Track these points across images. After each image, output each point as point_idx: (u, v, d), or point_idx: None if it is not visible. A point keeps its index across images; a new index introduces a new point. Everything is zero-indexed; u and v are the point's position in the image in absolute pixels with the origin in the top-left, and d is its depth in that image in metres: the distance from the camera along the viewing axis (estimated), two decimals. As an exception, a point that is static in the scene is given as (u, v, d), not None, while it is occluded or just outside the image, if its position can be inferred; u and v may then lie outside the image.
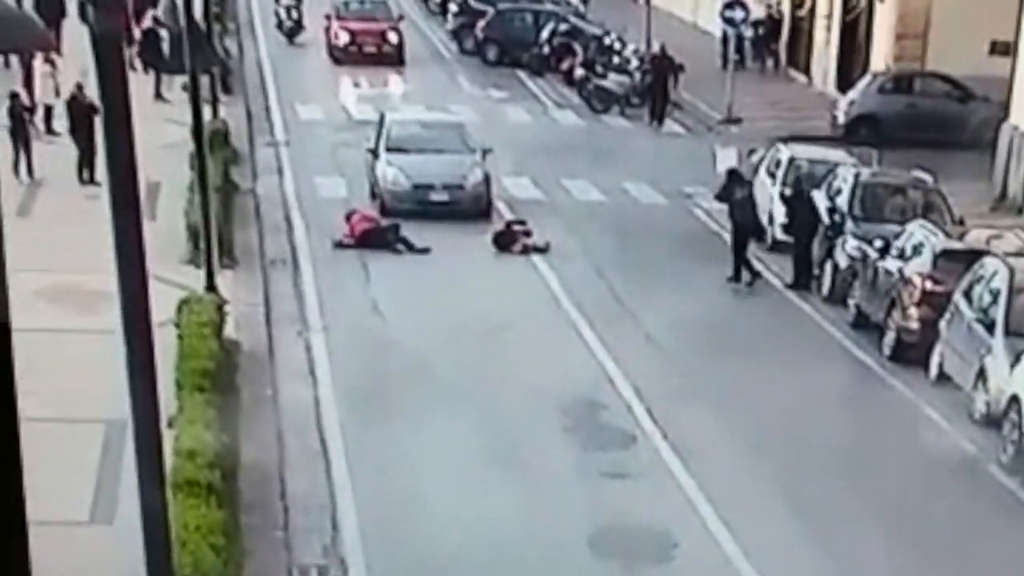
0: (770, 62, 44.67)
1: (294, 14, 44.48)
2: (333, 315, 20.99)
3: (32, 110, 27.68)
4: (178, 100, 32.32)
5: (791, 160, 27.31)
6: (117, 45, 7.96)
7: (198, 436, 13.37)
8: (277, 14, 44.82)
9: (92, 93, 25.90)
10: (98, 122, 26.57)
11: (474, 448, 16.51)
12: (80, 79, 26.04)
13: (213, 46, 30.23)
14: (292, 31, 44.34)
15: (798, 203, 24.53)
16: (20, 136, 25.87)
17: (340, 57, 41.99)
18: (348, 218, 25.02)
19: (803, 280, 23.94)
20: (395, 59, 42.01)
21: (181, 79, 33.26)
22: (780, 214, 26.11)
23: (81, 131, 25.55)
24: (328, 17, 43.16)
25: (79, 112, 25.71)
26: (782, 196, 25.13)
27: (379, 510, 14.66)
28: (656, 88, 36.84)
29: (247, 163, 29.57)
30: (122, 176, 8.13)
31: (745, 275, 24.13)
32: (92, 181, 25.07)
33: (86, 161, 25.50)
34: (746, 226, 24.56)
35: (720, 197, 25.48)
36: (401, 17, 44.54)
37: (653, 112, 36.57)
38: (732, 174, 25.45)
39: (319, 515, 14.44)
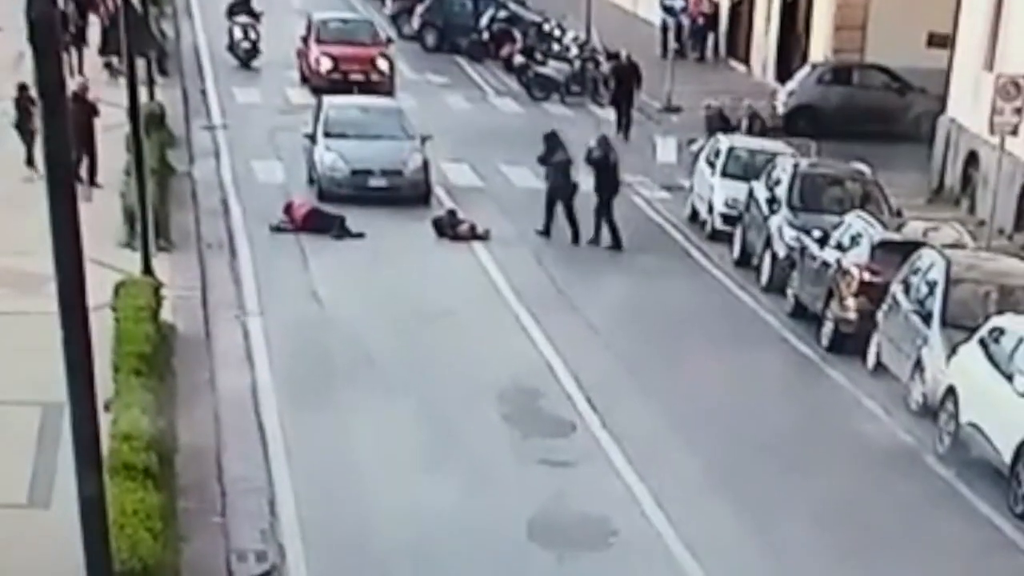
0: (709, 51, 44.82)
1: (251, 34, 38.31)
2: (271, 300, 20.85)
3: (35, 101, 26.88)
4: (96, 79, 31.95)
5: (730, 150, 27.43)
6: (53, 28, 7.89)
7: (135, 420, 13.25)
8: (230, 33, 38.58)
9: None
10: (97, 123, 25.62)
11: (412, 435, 16.43)
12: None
13: (150, 28, 29.87)
14: (248, 55, 38.30)
15: (604, 167, 25.46)
16: (27, 129, 24.92)
17: (321, 86, 34.93)
18: (287, 210, 24.80)
19: (597, 236, 25.34)
20: (385, 88, 35.79)
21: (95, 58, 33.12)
22: (719, 202, 26.28)
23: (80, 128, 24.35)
24: (304, 39, 37.60)
25: (81, 108, 24.45)
26: (588, 157, 25.92)
27: (317, 495, 14.57)
28: (621, 97, 34.61)
29: (183, 146, 29.30)
30: (58, 159, 8.04)
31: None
32: (84, 180, 24.34)
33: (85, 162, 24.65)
34: (556, 189, 25.51)
35: (542, 160, 26.04)
36: (390, 40, 39.73)
37: (620, 123, 34.27)
38: (550, 138, 26.01)
39: (257, 500, 14.34)
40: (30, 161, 24.94)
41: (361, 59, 36.53)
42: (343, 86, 34.59)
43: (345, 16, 40.94)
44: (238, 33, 38.30)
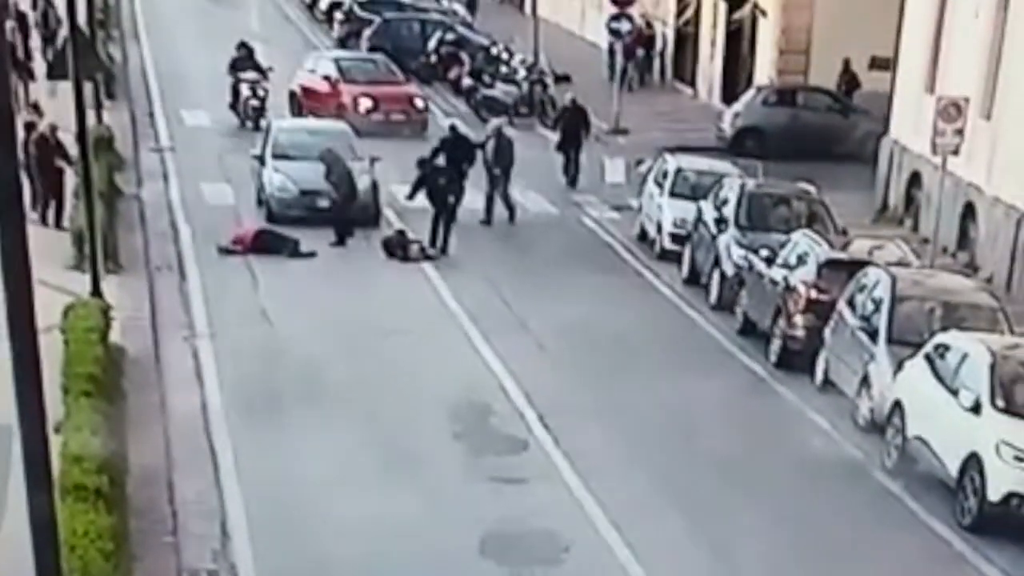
0: (656, 75, 45.04)
1: (260, 92, 34.50)
2: (220, 321, 20.81)
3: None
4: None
5: (678, 170, 27.62)
6: (2, 53, 7.89)
7: (85, 441, 13.20)
8: (235, 91, 34.66)
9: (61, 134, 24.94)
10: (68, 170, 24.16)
11: (364, 454, 16.45)
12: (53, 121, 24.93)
13: (97, 51, 29.69)
14: (256, 114, 33.99)
15: (337, 179, 25.93)
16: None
17: (357, 127, 30.99)
18: (237, 240, 24.73)
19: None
20: (421, 128, 34.81)
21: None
22: (668, 222, 26.47)
23: (47, 171, 24.04)
24: (316, 80, 35.95)
25: (46, 152, 24.18)
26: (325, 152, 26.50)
27: (269, 515, 14.57)
28: (569, 146, 31.84)
29: (132, 169, 29.23)
30: (6, 180, 8.03)
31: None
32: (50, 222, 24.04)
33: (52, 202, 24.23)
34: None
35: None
36: (409, 78, 38.42)
37: (566, 170, 31.82)
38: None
39: (208, 520, 14.33)
40: (45, 218, 24.05)
41: (400, 98, 35.73)
42: (383, 127, 33.82)
43: (365, 56, 39.42)
44: (246, 91, 34.53)
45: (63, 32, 21.66)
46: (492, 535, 14.57)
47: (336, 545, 14.12)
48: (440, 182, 26.12)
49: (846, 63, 37.20)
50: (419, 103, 35.94)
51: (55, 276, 19.53)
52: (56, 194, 24.23)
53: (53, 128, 24.76)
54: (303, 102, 35.67)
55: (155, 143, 32.36)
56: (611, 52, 41.95)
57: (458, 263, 25.09)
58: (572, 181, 31.55)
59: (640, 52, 43.29)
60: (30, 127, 24.58)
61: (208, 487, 15.10)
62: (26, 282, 8.08)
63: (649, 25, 44.83)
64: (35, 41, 36.24)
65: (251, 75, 34.95)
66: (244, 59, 35.42)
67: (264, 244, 24.63)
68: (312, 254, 24.68)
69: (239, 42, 36.05)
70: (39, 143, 24.18)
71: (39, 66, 32.98)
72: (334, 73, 36.26)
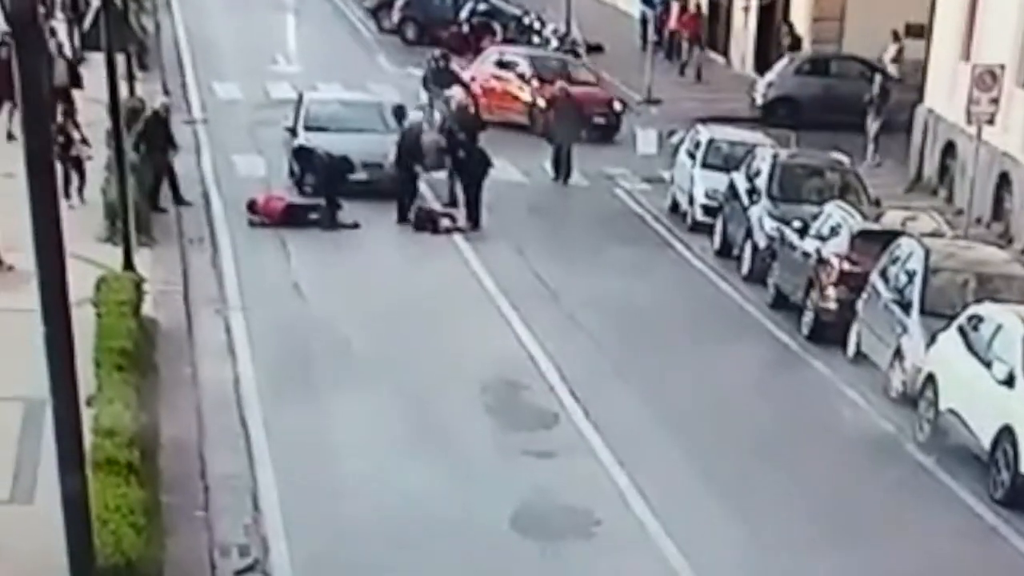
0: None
1: (471, 109, 29.27)
2: (252, 294, 20.87)
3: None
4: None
5: (710, 141, 27.51)
6: (34, 24, 7.91)
7: (117, 415, 13.29)
8: (433, 109, 30.34)
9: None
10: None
11: (396, 427, 16.49)
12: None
13: (131, 24, 29.67)
14: None
15: (307, 154, 26.05)
16: (67, 157, 23.31)
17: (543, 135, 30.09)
18: (252, 207, 24.70)
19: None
20: (613, 135, 32.84)
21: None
22: (700, 193, 26.38)
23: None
24: (499, 76, 33.66)
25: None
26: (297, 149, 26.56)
27: (300, 489, 14.60)
28: (560, 139, 29.21)
29: (164, 141, 29.23)
30: (39, 155, 8.06)
31: None
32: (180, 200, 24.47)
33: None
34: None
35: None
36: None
37: (558, 166, 29.14)
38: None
39: (240, 494, 14.36)
40: (68, 193, 22.98)
41: (600, 101, 33.30)
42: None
43: (555, 54, 37.02)
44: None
45: (93, 7, 21.50)
46: (523, 508, 14.57)
47: (367, 518, 14.15)
48: (459, 155, 26.00)
49: (790, 26, 37.87)
50: (617, 106, 33.22)
51: (88, 249, 19.60)
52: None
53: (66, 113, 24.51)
54: (483, 102, 31.93)
55: (188, 115, 32.41)
56: (643, 22, 41.73)
57: (489, 235, 25.06)
58: (565, 178, 29.02)
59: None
60: (67, 114, 24.55)
61: (240, 461, 15.13)
62: (59, 256, 8.13)
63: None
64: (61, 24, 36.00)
65: (457, 91, 30.27)
66: (444, 71, 31.87)
67: (294, 218, 24.63)
68: (355, 225, 24.68)
69: (440, 53, 32.93)
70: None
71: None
72: (528, 70, 34.18)
